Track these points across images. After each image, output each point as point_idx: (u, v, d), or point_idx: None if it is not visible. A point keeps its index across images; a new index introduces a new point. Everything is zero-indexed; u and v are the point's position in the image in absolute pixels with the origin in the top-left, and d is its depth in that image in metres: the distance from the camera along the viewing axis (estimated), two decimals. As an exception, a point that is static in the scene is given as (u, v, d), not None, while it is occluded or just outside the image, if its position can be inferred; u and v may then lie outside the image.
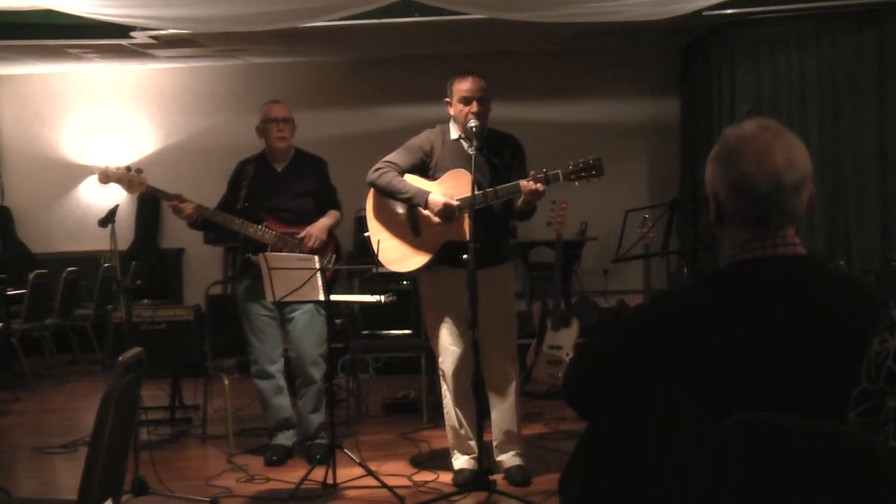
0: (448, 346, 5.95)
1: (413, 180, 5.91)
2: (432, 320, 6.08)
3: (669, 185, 11.23)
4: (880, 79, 9.59)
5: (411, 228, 5.91)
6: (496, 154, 5.92)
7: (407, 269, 5.99)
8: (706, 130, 10.39)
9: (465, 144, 5.85)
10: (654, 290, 8.26)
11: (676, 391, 2.30)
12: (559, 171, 5.60)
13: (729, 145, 2.43)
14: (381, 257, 5.96)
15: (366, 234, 6.12)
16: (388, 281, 8.00)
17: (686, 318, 2.38)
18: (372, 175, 5.95)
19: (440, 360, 6.05)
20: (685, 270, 9.26)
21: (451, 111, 5.92)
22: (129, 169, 6.54)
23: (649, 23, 8.58)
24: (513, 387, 5.98)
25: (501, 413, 5.99)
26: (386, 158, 5.98)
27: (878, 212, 9.58)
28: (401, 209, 5.95)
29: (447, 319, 5.94)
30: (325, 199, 6.77)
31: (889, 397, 2.08)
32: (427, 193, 5.78)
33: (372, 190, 6.04)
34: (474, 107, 5.77)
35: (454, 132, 5.94)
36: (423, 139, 6.04)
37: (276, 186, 6.66)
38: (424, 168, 5.97)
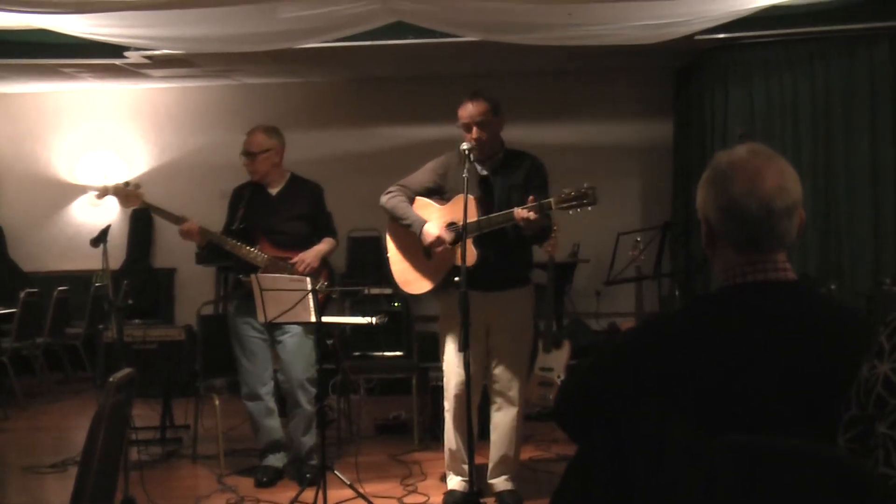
0: (454, 367, 5.94)
1: (423, 204, 5.97)
2: (444, 341, 6.09)
3: (662, 207, 11.24)
4: (871, 102, 9.63)
5: (424, 252, 5.93)
6: (510, 176, 5.92)
7: (417, 290, 6.04)
8: (699, 152, 10.40)
9: (477, 167, 5.86)
10: (646, 313, 8.27)
11: (667, 414, 2.30)
12: (552, 200, 5.59)
13: (720, 170, 2.44)
14: (397, 279, 6.06)
15: (387, 254, 6.16)
16: (379, 302, 8.01)
17: (677, 341, 2.38)
18: (383, 198, 6.06)
19: (445, 380, 6.05)
20: (677, 293, 9.27)
21: None
22: (127, 184, 6.62)
23: (643, 45, 8.61)
24: (516, 412, 5.98)
25: (501, 437, 5.99)
26: (400, 182, 6.06)
27: (871, 235, 9.59)
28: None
29: (455, 341, 5.92)
30: (320, 225, 6.78)
31: (878, 423, 2.08)
32: (423, 223, 5.80)
33: None
34: (474, 133, 5.79)
35: None
36: (438, 162, 6.09)
37: (269, 210, 6.68)
38: (441, 190, 6.00)
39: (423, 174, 6.07)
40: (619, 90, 11.80)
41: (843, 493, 1.96)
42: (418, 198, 5.99)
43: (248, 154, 6.70)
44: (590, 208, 5.60)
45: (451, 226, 5.80)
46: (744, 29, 8.98)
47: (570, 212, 5.61)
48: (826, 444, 2.18)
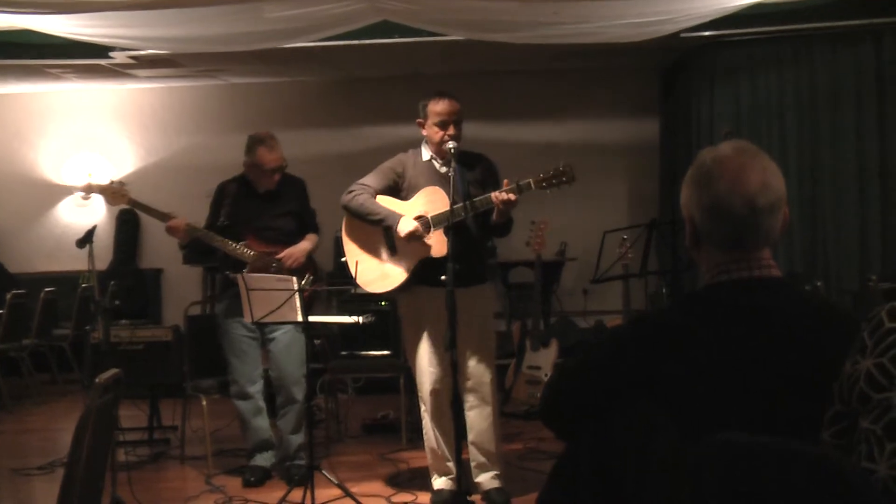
0: (426, 366, 5.94)
1: (386, 201, 5.93)
2: (411, 340, 6.07)
3: (649, 206, 11.25)
4: (857, 99, 9.67)
5: (388, 248, 5.91)
6: (466, 173, 5.92)
7: (385, 288, 5.97)
8: (686, 151, 10.43)
9: (436, 164, 5.88)
10: (633, 311, 8.28)
11: (654, 412, 2.31)
12: (530, 180, 5.61)
13: (704, 168, 2.45)
14: (360, 279, 5.95)
15: (343, 259, 6.11)
16: (366, 301, 8.00)
17: (663, 339, 2.39)
18: (345, 198, 5.98)
19: (418, 380, 6.04)
20: (664, 291, 9.28)
21: (424, 132, 5.95)
22: (112, 182, 6.62)
23: (629, 44, 8.62)
24: (492, 408, 5.97)
25: (480, 434, 5.97)
26: (359, 181, 6.01)
27: (857, 232, 9.63)
28: (378, 229, 5.94)
29: (426, 340, 5.93)
30: (305, 220, 6.79)
31: (861, 418, 2.09)
32: (399, 217, 5.79)
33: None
34: (451, 130, 5.79)
35: (426, 153, 5.97)
36: (394, 162, 6.07)
37: (258, 206, 6.67)
38: (397, 189, 5.99)
39: (382, 173, 6.05)
40: (606, 89, 11.83)
41: (827, 489, 1.97)
42: (381, 196, 5.97)
43: (276, 170, 6.66)
44: (569, 186, 5.63)
45: (419, 219, 5.80)
46: (729, 27, 9.01)
47: (549, 191, 5.64)
48: (810, 439, 2.19)
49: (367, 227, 5.95)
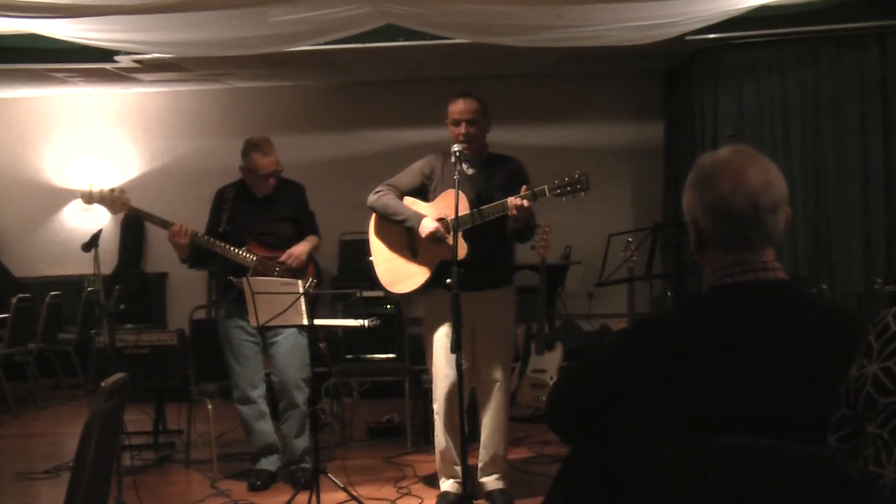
0: (442, 368, 5.94)
1: (411, 203, 5.97)
2: (429, 343, 6.08)
3: (653, 209, 11.25)
4: (861, 102, 9.67)
5: (410, 250, 5.94)
6: (492, 176, 5.94)
7: (405, 290, 6.02)
8: (690, 153, 10.41)
9: (463, 166, 5.88)
10: (638, 314, 8.26)
11: (659, 415, 2.31)
12: (545, 187, 5.61)
13: (705, 170, 2.45)
14: (382, 279, 6.03)
15: (370, 258, 6.15)
16: (372, 305, 8.00)
17: (668, 342, 2.39)
18: (371, 198, 6.04)
19: (434, 382, 6.05)
20: (668, 294, 9.27)
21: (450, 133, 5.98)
22: (112, 190, 6.61)
23: (632, 47, 8.62)
24: (504, 412, 5.99)
25: (490, 437, 5.99)
26: (387, 182, 6.07)
27: (861, 234, 9.62)
28: (401, 231, 5.97)
29: (443, 343, 5.92)
30: (304, 224, 6.79)
31: (868, 422, 2.09)
32: (421, 217, 5.81)
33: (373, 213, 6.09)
34: (462, 128, 5.83)
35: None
36: (423, 163, 6.12)
37: (256, 212, 6.67)
38: (425, 191, 6.03)
39: (410, 174, 6.10)
40: (610, 92, 11.82)
41: (833, 492, 1.97)
42: (406, 197, 6.01)
43: (271, 174, 6.66)
44: (583, 194, 5.63)
45: (440, 221, 5.81)
46: (733, 29, 9.00)
47: (564, 199, 5.63)
48: (816, 443, 2.18)
49: (393, 229, 5.99)
